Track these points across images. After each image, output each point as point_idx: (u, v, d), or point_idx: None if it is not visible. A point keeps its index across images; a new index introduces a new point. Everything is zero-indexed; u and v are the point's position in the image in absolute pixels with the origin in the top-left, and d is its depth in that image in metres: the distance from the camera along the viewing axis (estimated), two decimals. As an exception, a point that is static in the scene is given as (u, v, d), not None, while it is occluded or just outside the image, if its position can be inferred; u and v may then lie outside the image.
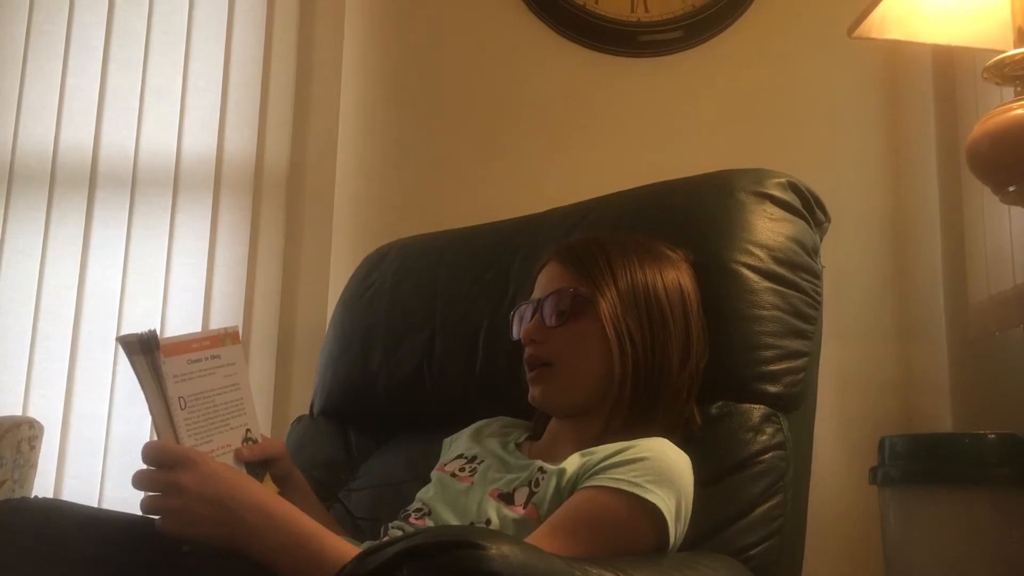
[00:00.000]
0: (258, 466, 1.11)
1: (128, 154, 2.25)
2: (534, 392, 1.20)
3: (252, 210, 2.22)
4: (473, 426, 1.33)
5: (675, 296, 1.19)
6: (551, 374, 1.18)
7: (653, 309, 1.17)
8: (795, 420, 1.25)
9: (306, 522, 0.96)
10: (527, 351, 1.21)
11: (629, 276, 1.18)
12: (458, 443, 1.31)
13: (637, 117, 2.22)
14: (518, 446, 1.25)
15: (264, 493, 0.99)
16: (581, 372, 1.17)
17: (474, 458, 1.24)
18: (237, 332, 1.10)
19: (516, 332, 1.25)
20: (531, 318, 1.21)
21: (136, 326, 2.14)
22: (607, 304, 1.16)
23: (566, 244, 1.28)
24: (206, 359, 1.05)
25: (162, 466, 0.95)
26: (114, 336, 2.16)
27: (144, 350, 0.98)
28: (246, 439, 1.09)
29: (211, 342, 1.06)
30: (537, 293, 1.24)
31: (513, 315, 1.29)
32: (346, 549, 0.94)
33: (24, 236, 2.22)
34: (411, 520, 1.19)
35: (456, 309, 1.53)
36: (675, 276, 1.21)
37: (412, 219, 2.01)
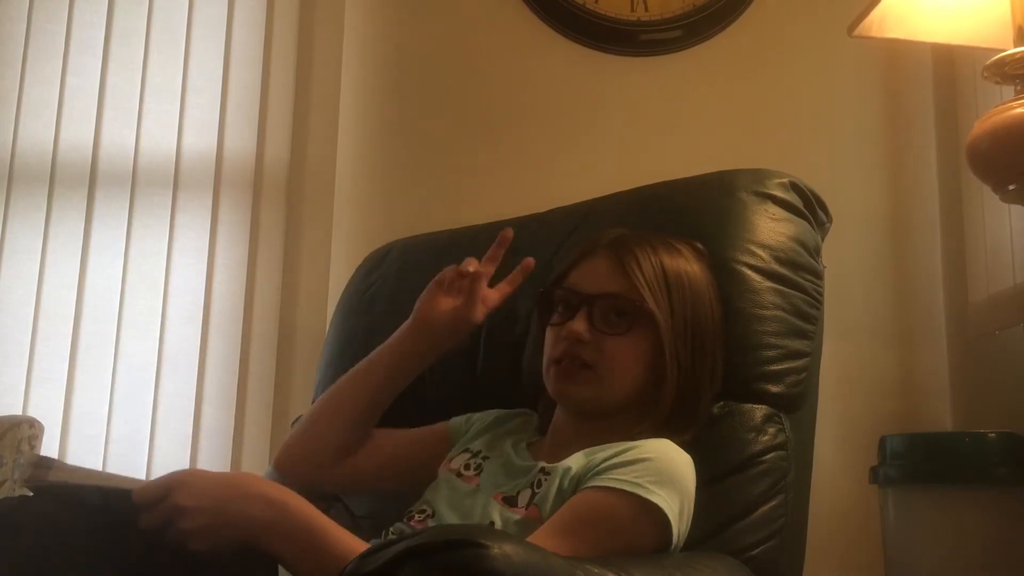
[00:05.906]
0: None
1: (128, 153, 2.24)
2: (563, 387, 1.17)
3: (252, 209, 2.22)
4: (491, 416, 1.31)
5: (712, 323, 1.20)
6: (591, 377, 1.16)
7: (697, 336, 1.18)
8: (796, 420, 1.25)
9: (311, 511, 0.97)
10: (567, 346, 1.16)
11: (680, 297, 1.17)
12: (471, 433, 1.29)
13: (637, 116, 2.22)
14: (528, 446, 1.23)
15: (265, 483, 1.00)
16: (622, 382, 1.16)
17: (478, 453, 1.23)
18: None
19: (555, 318, 1.20)
20: (581, 314, 1.16)
21: (136, 325, 2.15)
22: (665, 326, 1.15)
23: (620, 241, 1.20)
24: None
25: (155, 502, 0.95)
26: (114, 335, 2.15)
27: None
28: None
29: None
30: (585, 286, 1.18)
31: (548, 296, 1.22)
32: (353, 542, 0.95)
33: (24, 235, 2.22)
34: (413, 521, 1.19)
35: (457, 308, 1.52)
36: (709, 298, 1.21)
37: (413, 218, 2.00)
